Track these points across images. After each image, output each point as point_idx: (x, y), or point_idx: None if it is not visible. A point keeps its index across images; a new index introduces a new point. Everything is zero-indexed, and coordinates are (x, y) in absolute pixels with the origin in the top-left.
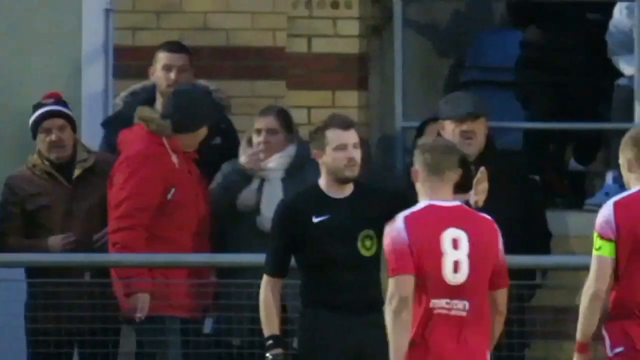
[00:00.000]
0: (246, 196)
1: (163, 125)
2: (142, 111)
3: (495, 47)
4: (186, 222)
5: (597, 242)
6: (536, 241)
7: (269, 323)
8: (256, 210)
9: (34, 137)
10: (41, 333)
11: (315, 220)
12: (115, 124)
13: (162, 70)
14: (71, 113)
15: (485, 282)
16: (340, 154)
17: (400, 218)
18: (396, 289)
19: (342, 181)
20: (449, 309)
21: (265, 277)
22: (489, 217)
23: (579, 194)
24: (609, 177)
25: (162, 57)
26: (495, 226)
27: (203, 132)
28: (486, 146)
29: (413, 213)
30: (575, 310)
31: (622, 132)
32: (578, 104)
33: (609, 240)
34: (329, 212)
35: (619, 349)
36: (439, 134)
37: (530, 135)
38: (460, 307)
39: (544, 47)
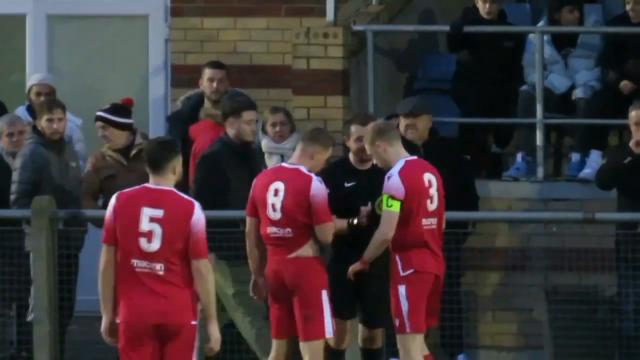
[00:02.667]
0: None
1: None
2: (208, 110)
3: (438, 65)
4: None
5: (389, 201)
6: (468, 202)
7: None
8: None
9: None
10: None
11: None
12: (176, 119)
13: (207, 81)
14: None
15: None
16: (358, 144)
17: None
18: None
19: (362, 160)
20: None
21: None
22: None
23: (498, 168)
24: (519, 156)
25: (207, 72)
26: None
27: None
28: (430, 135)
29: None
30: (494, 250)
31: (527, 125)
32: (495, 105)
33: (398, 199)
34: (356, 179)
35: (409, 271)
36: (398, 126)
37: (463, 127)
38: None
39: (471, 65)
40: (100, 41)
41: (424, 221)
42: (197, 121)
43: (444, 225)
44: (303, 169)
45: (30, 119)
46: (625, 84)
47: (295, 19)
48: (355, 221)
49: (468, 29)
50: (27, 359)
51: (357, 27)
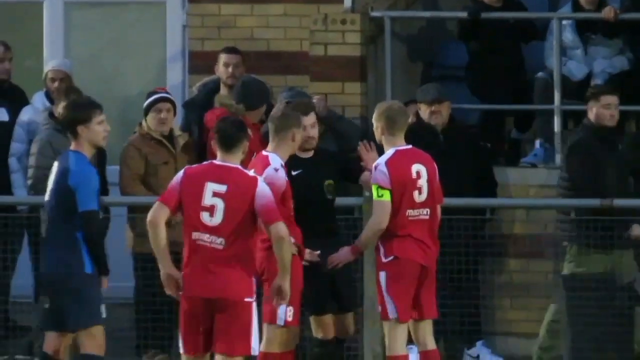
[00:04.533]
0: None
1: (238, 107)
2: (221, 98)
3: (453, 52)
4: None
5: (379, 191)
6: (486, 188)
7: None
8: None
9: (146, 115)
10: None
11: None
12: (191, 105)
13: (222, 67)
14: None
15: None
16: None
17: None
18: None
19: (305, 149)
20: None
21: None
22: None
23: (516, 155)
24: (537, 143)
25: (222, 57)
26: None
27: (263, 109)
28: (449, 121)
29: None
30: (512, 236)
31: (544, 112)
32: (513, 91)
33: (386, 188)
34: (301, 168)
35: (390, 258)
36: (417, 113)
37: (483, 114)
38: None
39: (483, 53)
40: (118, 28)
41: (410, 212)
42: (212, 108)
43: (439, 217)
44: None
45: (48, 104)
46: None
47: (312, 5)
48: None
49: (486, 15)
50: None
51: (375, 13)
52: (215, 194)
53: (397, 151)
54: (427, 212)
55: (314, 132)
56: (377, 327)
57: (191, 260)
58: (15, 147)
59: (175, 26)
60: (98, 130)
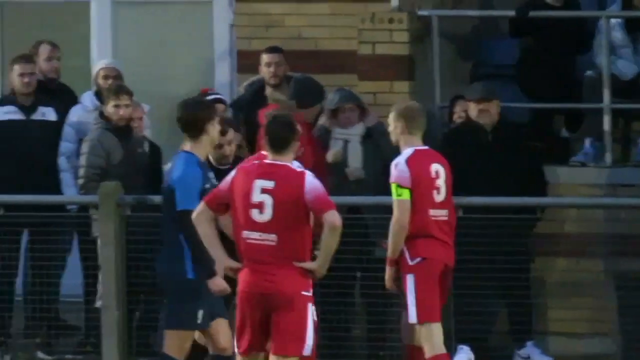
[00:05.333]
0: (336, 153)
1: (290, 104)
2: (274, 94)
3: (501, 50)
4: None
5: (398, 190)
6: (536, 188)
7: None
8: (344, 162)
9: None
10: None
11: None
12: (238, 105)
13: (265, 67)
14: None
15: None
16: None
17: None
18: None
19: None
20: None
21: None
22: None
23: (565, 154)
24: (587, 142)
25: (264, 57)
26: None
27: (317, 108)
28: (498, 120)
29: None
30: (562, 235)
31: (594, 111)
32: (563, 90)
33: (406, 187)
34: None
35: (417, 259)
36: (465, 112)
37: (533, 113)
38: None
39: (536, 51)
40: (165, 27)
41: (431, 212)
42: (261, 106)
43: (455, 218)
44: None
45: (98, 104)
46: None
47: (360, 4)
48: None
49: (534, 14)
50: (95, 345)
51: (422, 12)
52: (263, 191)
53: (416, 150)
54: (445, 212)
55: (230, 149)
56: None
57: (244, 259)
58: (65, 146)
59: (222, 25)
60: (217, 128)
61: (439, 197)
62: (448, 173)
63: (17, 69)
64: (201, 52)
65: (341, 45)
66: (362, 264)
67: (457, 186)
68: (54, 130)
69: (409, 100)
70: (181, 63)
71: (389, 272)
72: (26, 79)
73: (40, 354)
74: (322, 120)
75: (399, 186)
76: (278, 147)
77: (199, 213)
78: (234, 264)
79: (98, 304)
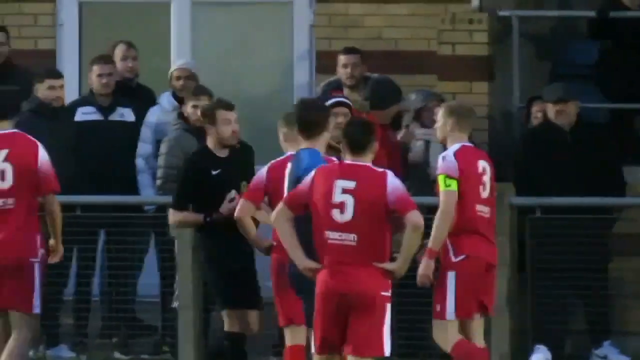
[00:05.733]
0: (417, 153)
1: (363, 104)
2: (348, 96)
3: (580, 50)
4: None
5: (447, 181)
6: (615, 188)
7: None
8: (425, 162)
9: None
10: None
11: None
12: None
13: (342, 68)
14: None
15: None
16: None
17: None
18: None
19: (223, 147)
20: None
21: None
22: None
23: None
24: None
25: (341, 58)
26: None
27: (394, 109)
28: (577, 121)
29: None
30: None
31: None
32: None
33: (454, 178)
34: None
35: (461, 257)
36: (542, 113)
37: (611, 113)
38: None
39: (616, 53)
40: (244, 27)
41: (478, 207)
42: None
43: (495, 217)
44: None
45: (176, 104)
46: None
47: (440, 5)
48: (215, 215)
49: (614, 14)
50: (171, 346)
51: (503, 13)
52: (344, 191)
53: (463, 145)
54: (489, 210)
55: (237, 126)
56: (506, 328)
57: (324, 259)
58: (142, 147)
59: (302, 26)
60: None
61: (485, 193)
62: (493, 171)
63: (95, 69)
64: (281, 53)
65: (421, 45)
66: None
67: (535, 186)
68: (132, 131)
69: (457, 100)
70: (260, 64)
71: (428, 265)
72: (104, 80)
73: (116, 354)
74: (406, 121)
75: (448, 177)
76: (357, 149)
77: (279, 213)
78: (313, 264)
79: (175, 304)
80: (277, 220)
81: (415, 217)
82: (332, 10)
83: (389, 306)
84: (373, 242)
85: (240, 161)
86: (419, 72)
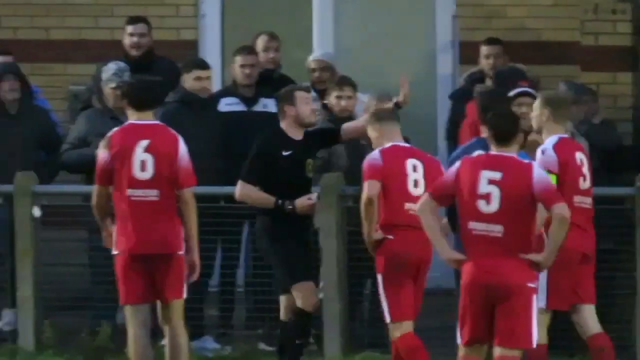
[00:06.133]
0: None
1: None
2: (479, 88)
3: None
4: None
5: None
6: None
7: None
8: None
9: None
10: None
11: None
12: (457, 96)
13: (484, 59)
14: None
15: None
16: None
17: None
18: None
19: (306, 126)
20: None
21: None
22: None
23: None
24: None
25: (483, 49)
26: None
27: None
28: None
29: None
30: None
31: None
32: None
33: (554, 173)
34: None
35: None
36: None
37: None
38: None
39: None
40: (387, 18)
41: (576, 198)
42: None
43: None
44: None
45: (315, 95)
46: None
47: None
48: (289, 206)
49: None
50: (317, 337)
51: None
52: (490, 182)
53: (561, 138)
54: (589, 200)
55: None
56: None
57: (469, 250)
58: None
59: (445, 16)
60: None
61: (585, 184)
62: (590, 162)
63: (238, 60)
64: (423, 44)
65: (563, 36)
66: None
67: None
68: (275, 122)
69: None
70: (403, 54)
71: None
72: (247, 71)
73: (262, 345)
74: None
75: (548, 171)
76: (503, 140)
77: (423, 203)
78: (458, 255)
79: (320, 295)
80: (421, 211)
81: (561, 210)
82: (475, 1)
83: (535, 297)
84: (519, 233)
85: (311, 145)
86: (561, 62)
